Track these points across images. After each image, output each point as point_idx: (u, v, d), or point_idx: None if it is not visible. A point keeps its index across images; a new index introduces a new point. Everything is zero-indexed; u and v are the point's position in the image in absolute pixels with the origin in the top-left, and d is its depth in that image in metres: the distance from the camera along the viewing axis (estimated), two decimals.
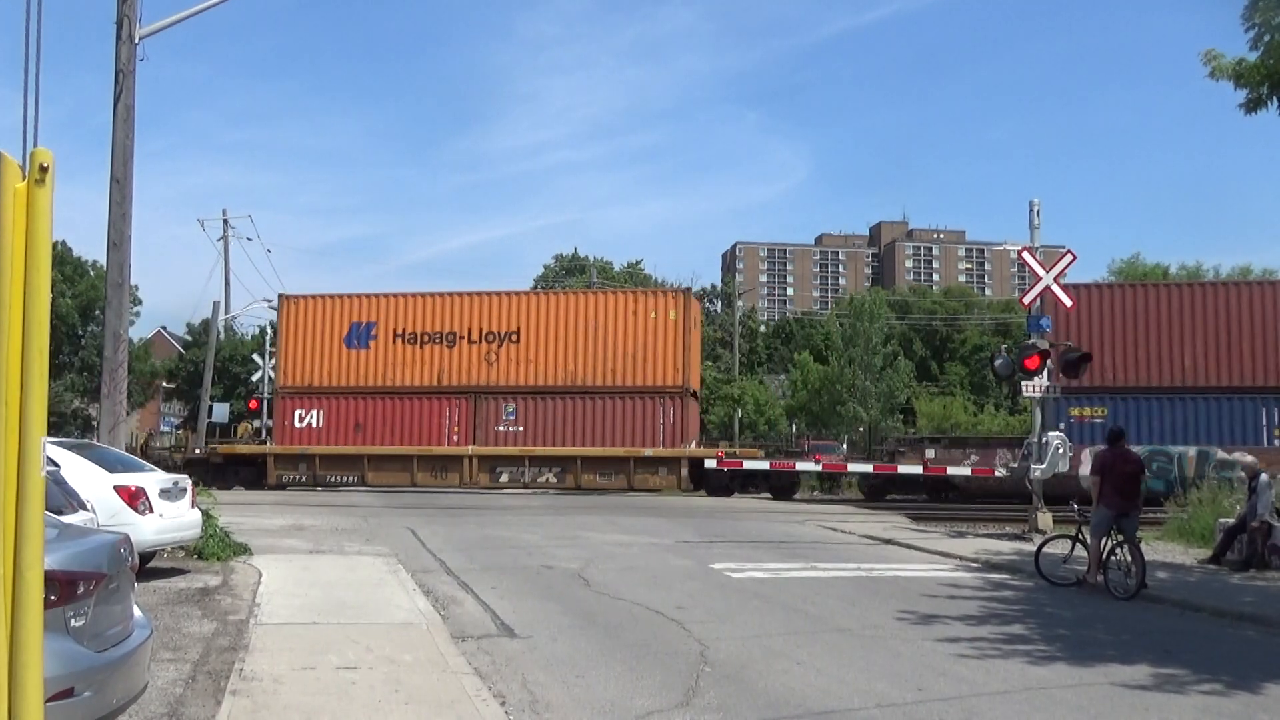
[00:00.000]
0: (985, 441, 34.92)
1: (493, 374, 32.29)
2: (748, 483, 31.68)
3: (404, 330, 32.69)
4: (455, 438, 32.11)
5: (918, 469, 30.10)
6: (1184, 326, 29.13)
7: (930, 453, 31.44)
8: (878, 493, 31.80)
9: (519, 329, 32.39)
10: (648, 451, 30.98)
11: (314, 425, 32.64)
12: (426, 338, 32.59)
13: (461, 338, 32.46)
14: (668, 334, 31.51)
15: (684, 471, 30.86)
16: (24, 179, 3.49)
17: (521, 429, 31.88)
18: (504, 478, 31.60)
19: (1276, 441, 28.59)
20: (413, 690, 7.12)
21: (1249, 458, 16.01)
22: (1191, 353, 28.99)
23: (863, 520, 22.95)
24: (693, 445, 31.62)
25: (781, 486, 31.39)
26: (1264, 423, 28.67)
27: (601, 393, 31.60)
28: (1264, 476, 15.18)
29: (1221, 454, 28.43)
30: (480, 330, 32.50)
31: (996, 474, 27.68)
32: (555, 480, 31.42)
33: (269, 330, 50.29)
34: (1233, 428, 28.90)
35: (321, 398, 32.77)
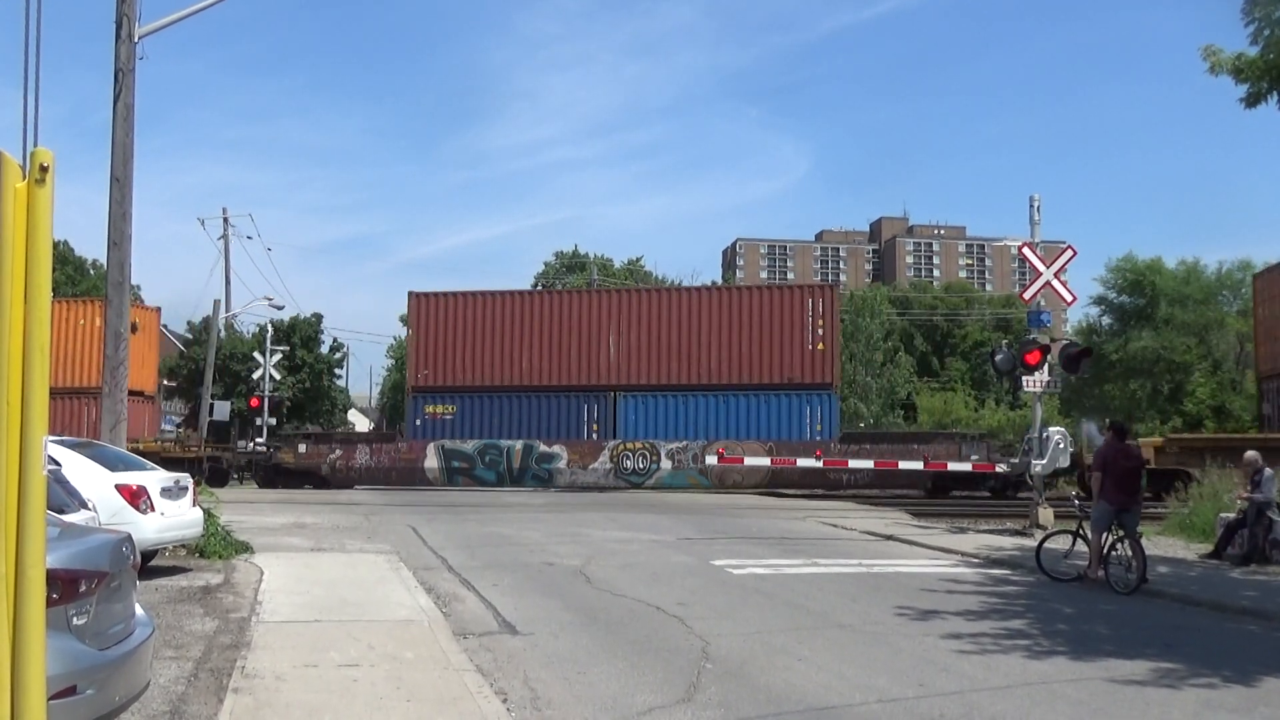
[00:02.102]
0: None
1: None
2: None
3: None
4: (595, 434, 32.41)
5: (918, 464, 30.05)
6: (522, 332, 32.80)
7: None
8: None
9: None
10: None
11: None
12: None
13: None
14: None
15: None
16: (24, 179, 3.50)
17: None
18: None
19: (593, 435, 32.15)
20: (414, 687, 7.14)
21: (1251, 452, 15.97)
22: (528, 355, 32.59)
23: (863, 516, 22.95)
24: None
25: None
26: (584, 418, 32.13)
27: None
28: (1267, 471, 15.18)
29: (543, 447, 31.95)
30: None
31: (997, 469, 27.64)
32: None
33: (269, 328, 50.32)
34: (558, 423, 32.29)
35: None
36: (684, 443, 31.31)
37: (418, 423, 32.87)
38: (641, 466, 31.63)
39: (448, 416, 32.57)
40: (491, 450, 32.16)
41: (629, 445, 31.80)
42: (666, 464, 31.57)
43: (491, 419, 32.50)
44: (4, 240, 3.45)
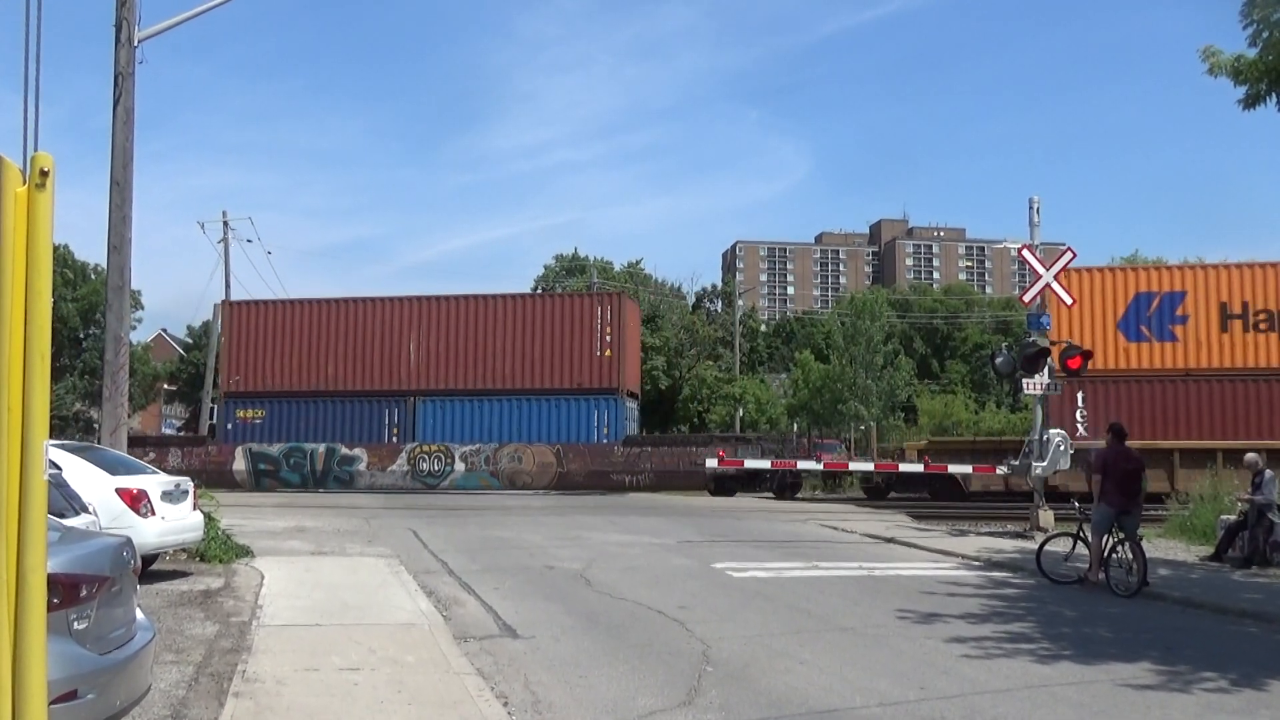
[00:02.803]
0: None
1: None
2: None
3: None
4: None
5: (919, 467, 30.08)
6: (329, 338, 33.92)
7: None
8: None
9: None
10: None
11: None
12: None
13: None
14: None
15: None
16: (25, 183, 3.50)
17: None
18: None
19: (393, 439, 33.30)
20: (415, 691, 7.13)
21: (1251, 454, 15.97)
22: (334, 361, 33.69)
23: (864, 519, 22.95)
24: None
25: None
26: (385, 422, 33.21)
27: None
28: (1268, 473, 15.18)
29: (345, 450, 33.12)
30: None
31: (998, 471, 27.65)
32: None
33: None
34: (362, 427, 33.43)
35: None
36: (477, 445, 32.32)
37: (229, 426, 34.12)
38: (437, 469, 32.69)
39: (257, 421, 33.89)
40: (296, 453, 33.30)
41: (425, 448, 32.88)
42: (460, 466, 32.63)
43: (299, 423, 33.67)
44: (4, 245, 3.45)
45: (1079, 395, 28.08)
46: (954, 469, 28.20)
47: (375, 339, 33.67)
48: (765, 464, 30.22)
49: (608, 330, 32.69)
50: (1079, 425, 27.68)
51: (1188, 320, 28.39)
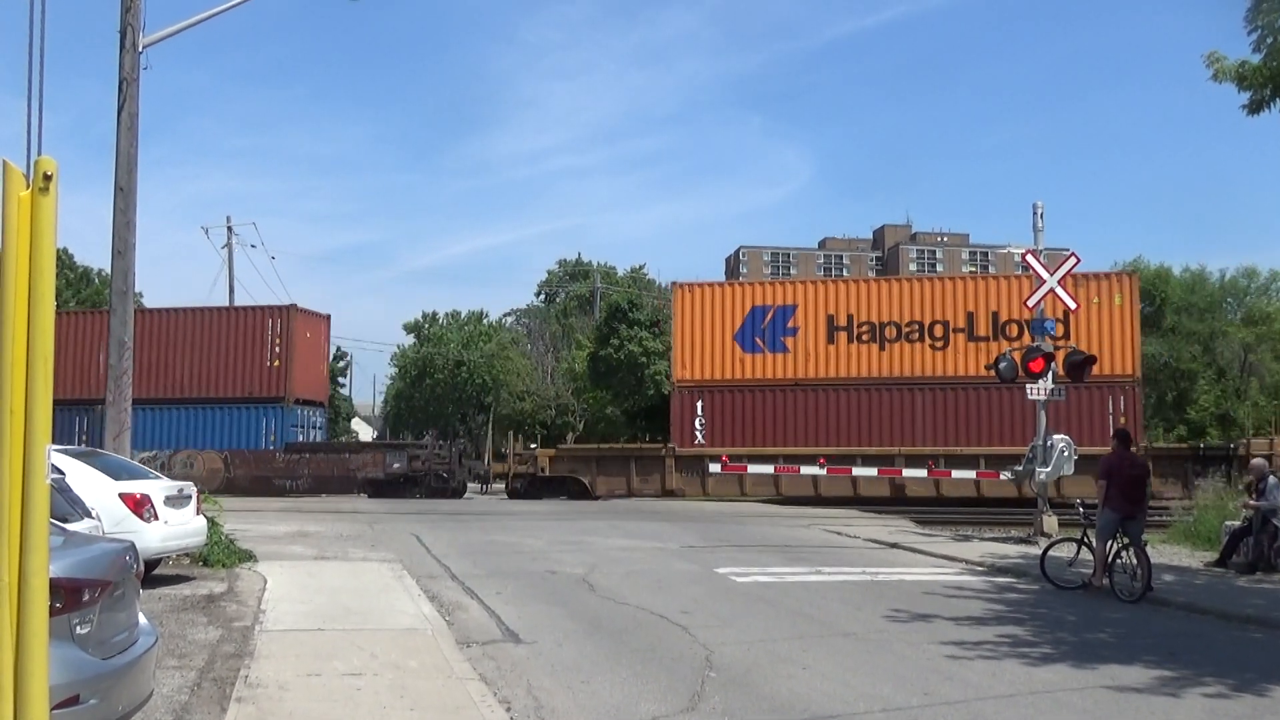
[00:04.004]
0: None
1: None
2: None
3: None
4: None
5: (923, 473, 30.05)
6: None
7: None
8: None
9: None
10: None
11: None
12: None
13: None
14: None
15: None
16: (28, 187, 3.51)
17: None
18: None
19: (83, 446, 33.57)
20: (418, 696, 7.12)
21: (1258, 460, 15.94)
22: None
23: (867, 524, 22.92)
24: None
25: None
26: (76, 429, 33.33)
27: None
28: (1272, 479, 15.14)
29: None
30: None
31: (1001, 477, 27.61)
32: None
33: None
34: (56, 434, 34.07)
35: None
36: (154, 452, 32.39)
37: None
38: None
39: None
40: None
41: None
42: None
43: None
44: (8, 249, 3.46)
45: (698, 404, 30.31)
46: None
47: (69, 349, 34.06)
48: (769, 469, 30.13)
49: (277, 341, 34.02)
50: (697, 433, 30.13)
51: (797, 332, 30.46)
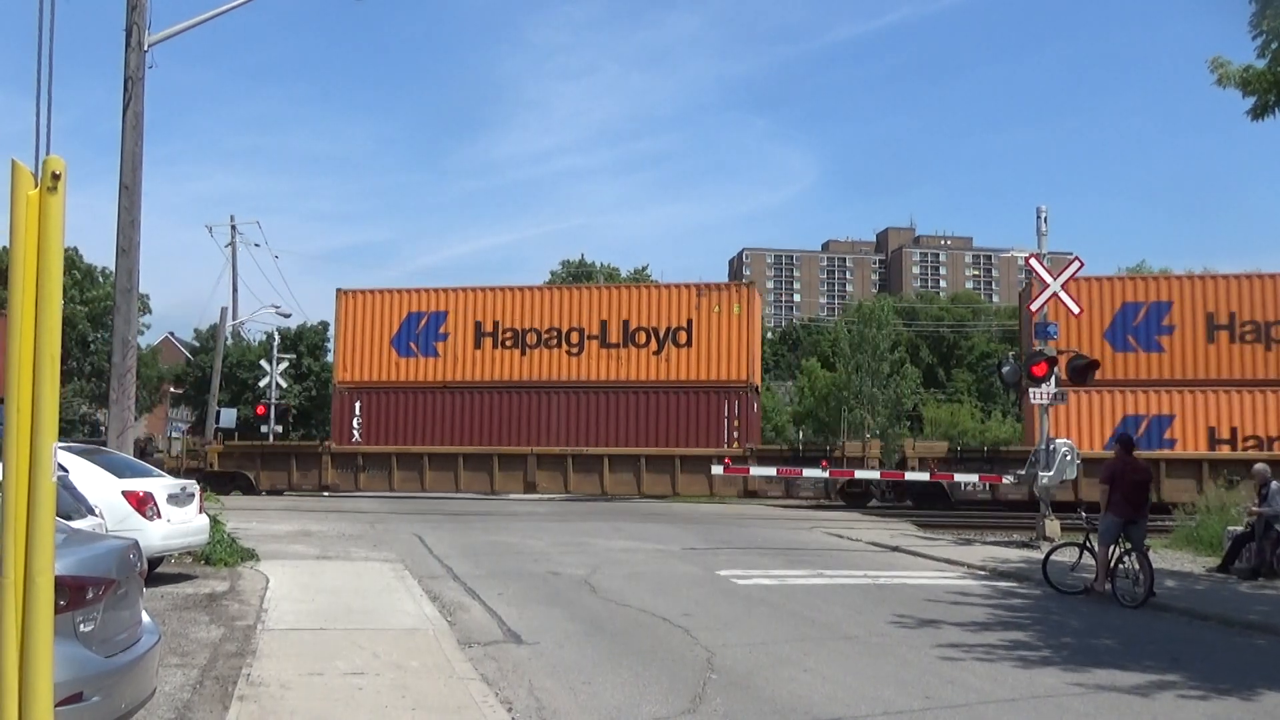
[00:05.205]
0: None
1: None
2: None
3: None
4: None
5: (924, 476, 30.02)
6: None
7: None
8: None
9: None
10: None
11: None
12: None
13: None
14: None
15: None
16: (36, 186, 3.52)
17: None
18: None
19: None
20: (419, 696, 7.13)
21: (1260, 465, 15.91)
22: None
23: (869, 527, 22.90)
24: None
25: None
26: None
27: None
28: (1275, 484, 15.12)
29: None
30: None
31: (1005, 481, 27.60)
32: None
33: (276, 336, 50.43)
34: None
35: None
36: None
37: None
38: None
39: None
40: None
41: None
42: None
43: None
44: (16, 248, 3.47)
45: (356, 404, 31.86)
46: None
47: None
48: (771, 471, 30.05)
49: None
50: (355, 431, 31.73)
51: (448, 337, 32.01)
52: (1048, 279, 19.86)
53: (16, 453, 3.44)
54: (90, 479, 11.40)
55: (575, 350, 31.42)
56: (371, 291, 32.98)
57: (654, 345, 31.08)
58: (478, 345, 31.81)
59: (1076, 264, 20.39)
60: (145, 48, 15.25)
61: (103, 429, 34.59)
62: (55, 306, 3.52)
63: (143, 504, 11.79)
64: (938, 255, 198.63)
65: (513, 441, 30.86)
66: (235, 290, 47.92)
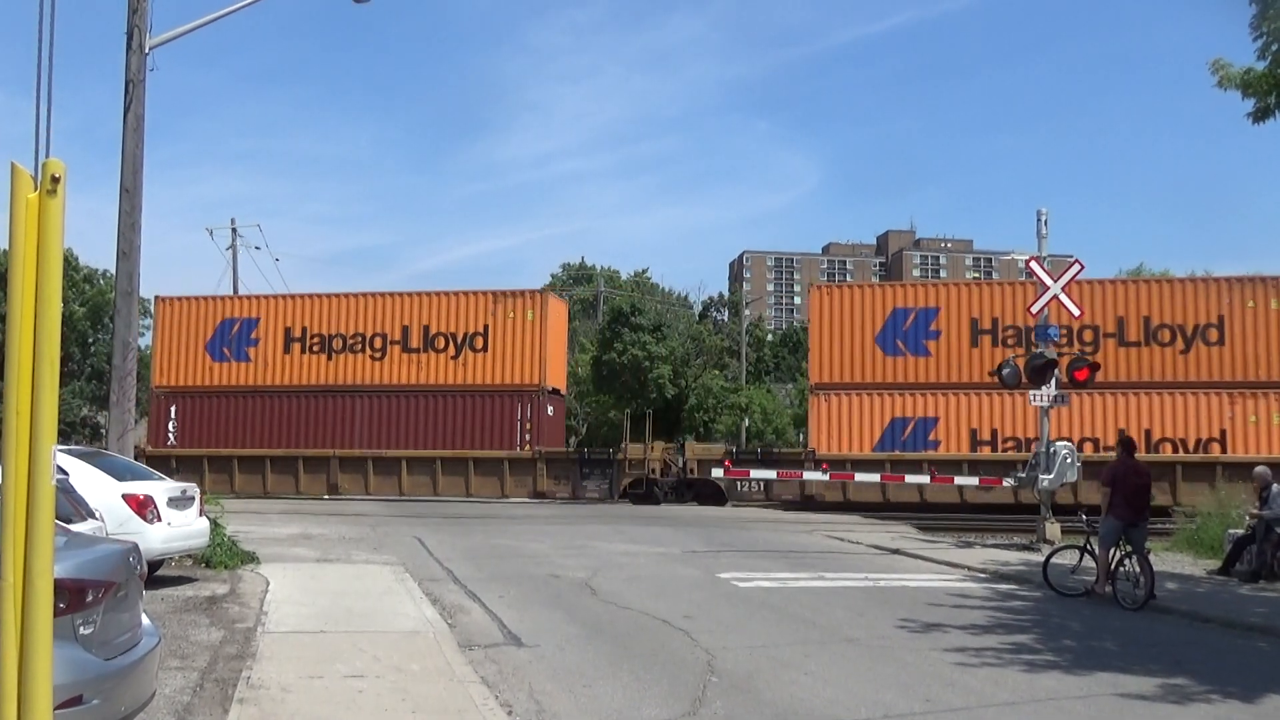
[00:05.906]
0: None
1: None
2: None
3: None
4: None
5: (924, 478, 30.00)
6: None
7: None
8: None
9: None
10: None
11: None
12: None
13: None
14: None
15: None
16: (36, 189, 3.51)
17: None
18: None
19: None
20: (420, 699, 7.12)
21: (1261, 467, 15.90)
22: None
23: (870, 530, 22.89)
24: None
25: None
26: None
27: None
28: (1276, 486, 15.11)
29: None
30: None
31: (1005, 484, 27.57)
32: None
33: None
34: None
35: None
36: None
37: None
38: None
39: None
40: None
41: None
42: None
43: None
44: (15, 251, 3.47)
45: (172, 409, 32.58)
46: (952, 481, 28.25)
47: None
48: (772, 474, 30.09)
49: None
50: (170, 434, 32.38)
51: (259, 343, 32.63)
52: (1048, 282, 19.87)
53: (16, 456, 3.43)
54: (90, 482, 11.40)
55: (378, 355, 32.19)
56: (188, 299, 33.60)
57: (452, 350, 31.89)
58: (287, 350, 32.58)
59: (1077, 267, 20.39)
60: (146, 50, 15.26)
61: (103, 432, 34.64)
62: (54, 310, 3.52)
63: (143, 507, 11.79)
64: (938, 258, 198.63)
65: (320, 444, 31.63)
66: (236, 292, 47.87)
